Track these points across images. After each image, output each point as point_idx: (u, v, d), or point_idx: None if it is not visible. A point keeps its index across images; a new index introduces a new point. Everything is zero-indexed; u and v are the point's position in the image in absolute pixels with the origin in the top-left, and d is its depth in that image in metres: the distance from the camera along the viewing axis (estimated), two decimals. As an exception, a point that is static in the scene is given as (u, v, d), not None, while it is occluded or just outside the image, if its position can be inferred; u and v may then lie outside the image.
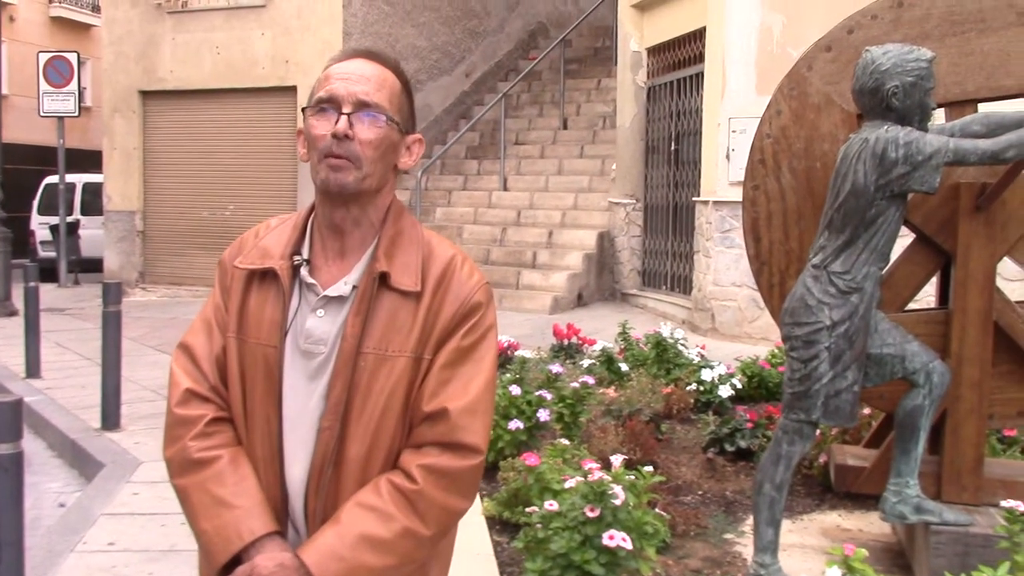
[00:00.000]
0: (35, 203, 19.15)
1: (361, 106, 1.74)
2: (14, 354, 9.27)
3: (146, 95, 15.47)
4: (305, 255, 1.81)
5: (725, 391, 6.06)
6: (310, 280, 1.78)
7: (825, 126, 3.94)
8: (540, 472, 3.64)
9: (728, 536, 4.32)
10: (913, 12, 3.91)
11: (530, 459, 3.74)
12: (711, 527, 4.38)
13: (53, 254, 16.57)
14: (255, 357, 1.78)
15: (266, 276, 1.81)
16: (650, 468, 3.66)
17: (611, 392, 6.00)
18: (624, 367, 6.48)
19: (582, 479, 3.27)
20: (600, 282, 12.86)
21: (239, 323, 1.81)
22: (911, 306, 4.19)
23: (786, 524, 4.49)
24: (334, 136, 1.72)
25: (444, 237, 1.91)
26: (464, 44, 16.88)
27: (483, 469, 1.80)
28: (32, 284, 8.90)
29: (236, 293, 1.83)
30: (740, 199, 4.17)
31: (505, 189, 14.48)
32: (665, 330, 6.76)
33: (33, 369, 8.68)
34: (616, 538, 3.02)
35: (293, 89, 14.30)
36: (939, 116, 4.01)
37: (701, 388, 6.17)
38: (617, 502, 3.13)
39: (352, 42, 14.32)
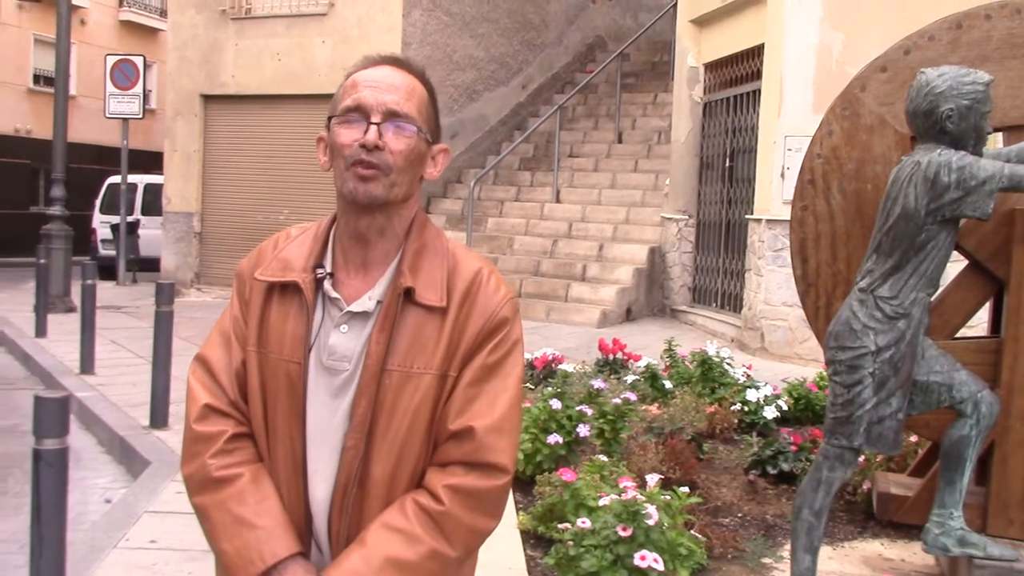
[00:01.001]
0: (98, 202, 19.52)
1: (391, 116, 1.71)
2: (70, 350, 9.44)
3: (208, 99, 15.74)
4: (328, 268, 1.77)
5: (770, 412, 5.98)
6: (334, 294, 1.74)
7: (878, 148, 3.88)
8: (576, 488, 3.61)
9: (766, 560, 4.25)
10: (972, 34, 3.84)
11: (566, 475, 3.72)
12: (749, 551, 4.32)
13: (113, 253, 16.87)
14: (277, 372, 1.74)
15: (287, 289, 1.76)
16: (686, 489, 3.61)
17: (654, 409, 5.96)
18: (668, 384, 6.43)
19: (617, 497, 3.24)
20: (650, 297, 12.79)
21: (259, 336, 1.77)
22: (962, 333, 4.11)
23: (827, 551, 4.42)
24: (363, 146, 1.68)
25: (470, 249, 1.88)
26: (521, 56, 16.93)
27: (510, 488, 1.75)
28: (89, 282, 9.06)
29: (256, 305, 1.79)
30: (791, 218, 4.12)
31: (558, 201, 14.48)
32: (711, 348, 6.69)
33: (87, 365, 8.83)
34: (648, 559, 2.99)
35: (351, 97, 14.41)
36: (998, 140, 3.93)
37: (746, 408, 6.10)
38: (650, 522, 3.10)
39: (411, 52, 14.43)
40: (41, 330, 10.83)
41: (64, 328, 10.95)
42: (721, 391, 6.38)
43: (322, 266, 1.77)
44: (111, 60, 15.77)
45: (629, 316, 12.34)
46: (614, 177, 14.68)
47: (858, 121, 3.91)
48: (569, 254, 13.30)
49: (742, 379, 6.53)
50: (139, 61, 15.81)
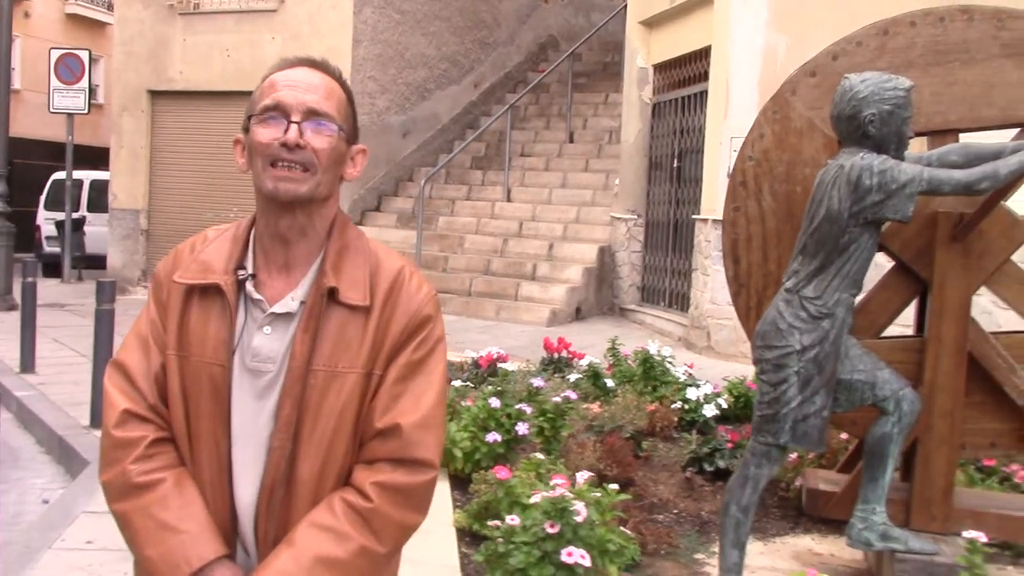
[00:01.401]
0: (42, 198, 19.21)
1: (311, 115, 1.71)
2: (10, 348, 9.30)
3: (155, 95, 15.56)
4: (250, 269, 1.77)
5: (710, 410, 6.06)
6: (256, 296, 1.74)
7: (807, 151, 3.96)
8: (510, 486, 3.65)
9: (699, 556, 4.32)
10: (898, 40, 3.93)
11: (501, 472, 3.76)
12: (682, 546, 4.39)
13: (58, 250, 16.63)
14: (199, 375, 1.73)
15: (208, 291, 1.75)
16: (616, 486, 3.66)
17: (596, 408, 6.01)
18: (610, 383, 6.48)
19: (548, 494, 3.28)
20: (599, 296, 12.87)
21: (179, 340, 1.75)
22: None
23: (758, 546, 4.51)
24: (284, 145, 1.69)
25: (391, 249, 1.88)
26: (473, 54, 16.95)
27: (436, 483, 1.77)
28: (30, 279, 8.95)
29: (175, 309, 1.77)
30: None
31: (508, 200, 14.52)
32: (652, 347, 6.76)
33: (28, 364, 8.72)
34: (575, 555, 3.03)
35: (301, 94, 14.35)
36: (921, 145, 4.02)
37: (686, 407, 6.17)
38: (579, 519, 3.14)
39: (362, 49, 14.40)
40: (-19, 328, 10.67)
41: (5, 326, 10.78)
42: (663, 389, 6.45)
43: (243, 267, 1.77)
44: (56, 54, 15.54)
45: (579, 315, 12.41)
46: (565, 176, 14.75)
47: (788, 124, 3.99)
48: (519, 253, 13.35)
49: (683, 378, 6.60)
50: (84, 55, 15.61)
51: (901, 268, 3.98)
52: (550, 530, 3.11)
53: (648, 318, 12.12)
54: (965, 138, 3.89)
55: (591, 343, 9.32)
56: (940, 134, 3.91)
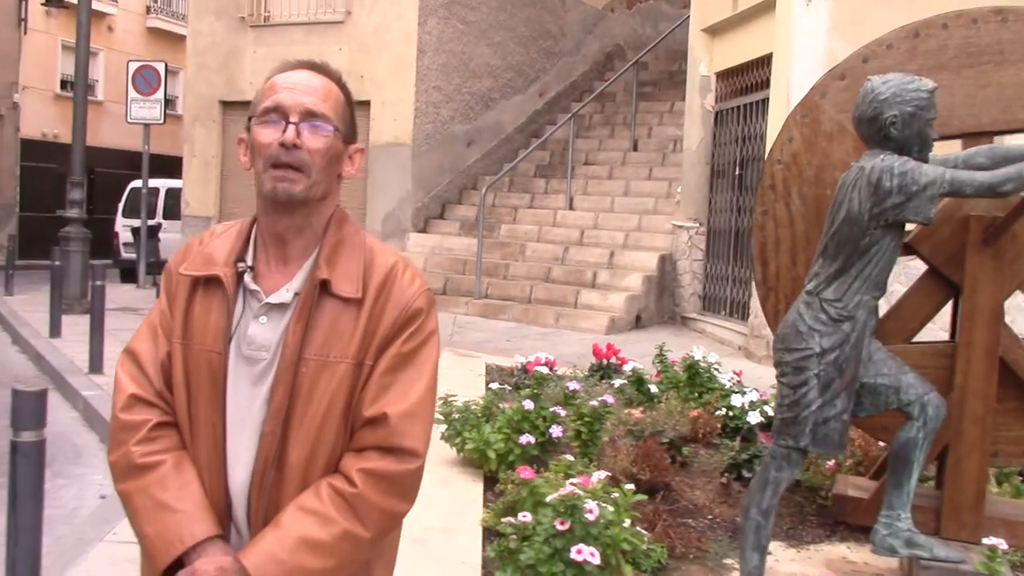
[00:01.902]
0: (120, 206, 19.78)
1: (308, 116, 1.78)
2: (81, 350, 9.60)
3: (226, 105, 15.95)
4: (249, 262, 1.84)
5: (754, 417, 5.99)
6: (253, 287, 1.81)
7: (837, 154, 3.93)
8: (534, 486, 3.68)
9: (728, 561, 4.30)
10: (929, 43, 3.88)
11: (525, 472, 3.79)
12: (712, 551, 4.37)
13: (134, 256, 17.10)
14: (199, 363, 1.80)
15: (211, 283, 1.83)
16: (631, 486, 3.67)
17: (637, 413, 6.00)
18: (654, 389, 6.47)
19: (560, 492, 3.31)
20: (660, 305, 12.82)
21: (184, 329, 1.83)
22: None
23: (791, 553, 4.47)
24: (282, 145, 1.76)
25: (387, 244, 1.94)
26: (539, 64, 17.02)
27: (422, 472, 1.81)
28: (99, 283, 9.23)
29: (181, 299, 1.85)
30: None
31: (571, 208, 14.54)
32: (698, 353, 6.73)
33: (96, 365, 8.98)
34: (584, 552, 3.05)
35: (367, 104, 14.59)
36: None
37: (731, 413, 6.13)
38: (590, 517, 3.17)
39: (426, 59, 14.59)
40: (55, 330, 11.03)
41: (78, 329, 11.11)
42: (707, 396, 6.41)
43: (243, 260, 1.85)
44: (133, 66, 16.01)
45: (639, 323, 12.36)
46: (628, 185, 14.73)
47: (818, 128, 3.97)
48: (580, 261, 13.36)
49: (729, 384, 6.55)
50: (160, 67, 16.04)
51: (932, 272, 3.93)
52: (560, 527, 3.14)
53: (709, 327, 12.03)
54: (1000, 141, 3.82)
55: (649, 351, 9.27)
56: (973, 136, 3.86)
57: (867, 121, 3.40)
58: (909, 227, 3.53)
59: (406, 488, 1.78)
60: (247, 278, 1.83)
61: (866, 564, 4.42)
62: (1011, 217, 3.62)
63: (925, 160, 3.40)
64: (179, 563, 1.73)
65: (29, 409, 3.71)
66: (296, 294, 1.80)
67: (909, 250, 3.92)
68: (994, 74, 3.83)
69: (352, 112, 1.92)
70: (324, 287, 1.79)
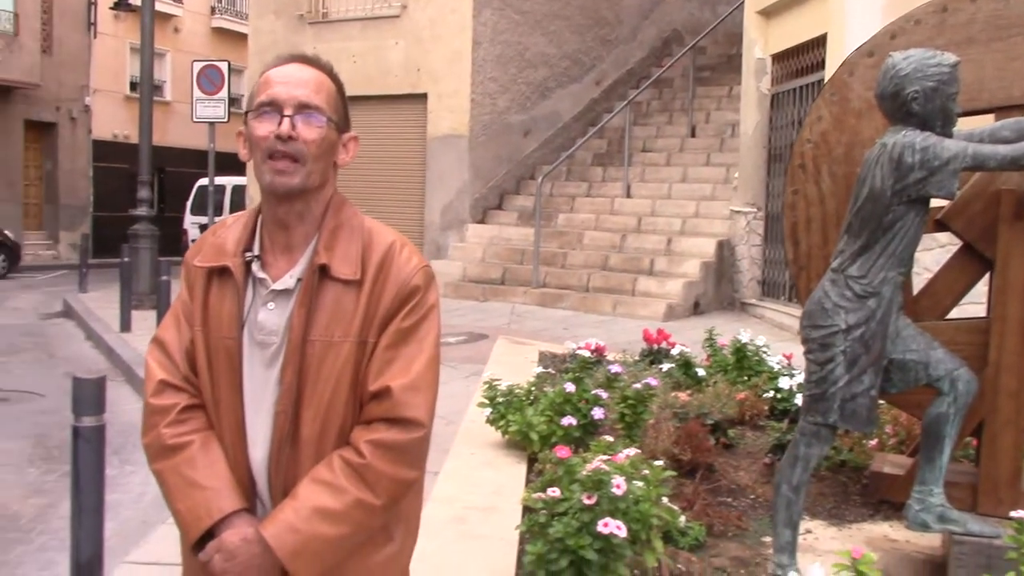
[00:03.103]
0: (189, 203, 20.24)
1: (302, 108, 1.87)
2: (150, 343, 9.92)
3: (287, 102, 16.21)
4: (256, 251, 1.94)
5: (802, 399, 5.99)
6: (261, 275, 1.91)
7: (866, 132, 3.93)
8: (570, 464, 3.76)
9: (767, 539, 4.31)
10: (958, 17, 3.86)
11: (561, 451, 3.87)
12: (752, 529, 4.40)
13: (202, 252, 17.47)
14: (218, 349, 1.91)
15: (223, 273, 1.93)
16: (660, 462, 3.73)
17: (684, 396, 6.04)
18: (701, 372, 6.50)
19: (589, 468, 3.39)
20: (718, 291, 12.77)
21: (203, 317, 1.93)
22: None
23: (832, 531, 4.49)
24: (278, 137, 1.84)
25: (385, 225, 2.02)
26: (595, 52, 17.02)
27: (428, 441, 1.91)
28: (165, 278, 9.54)
29: (198, 290, 1.95)
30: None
31: (628, 196, 14.55)
32: (744, 336, 6.73)
33: (162, 357, 9.27)
34: (610, 526, 3.12)
35: (423, 96, 14.76)
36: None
37: (778, 395, 6.13)
38: (617, 492, 3.24)
39: (482, 50, 14.70)
40: (125, 325, 11.39)
41: (147, 324, 11.45)
42: (755, 379, 6.42)
43: (250, 250, 1.95)
44: (198, 66, 16.37)
45: (697, 310, 12.34)
46: (686, 171, 14.67)
47: (847, 106, 3.97)
48: (637, 248, 13.36)
49: (777, 367, 6.55)
50: (224, 66, 16.35)
51: (966, 248, 3.91)
52: (587, 501, 3.22)
53: (768, 312, 11.95)
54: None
55: (704, 338, 9.29)
56: (1005, 110, 3.82)
57: (889, 97, 3.40)
58: (935, 203, 3.52)
59: (412, 456, 1.88)
60: (255, 267, 1.93)
61: (908, 542, 4.41)
62: (1043, 190, 3.59)
63: (948, 135, 3.39)
64: (209, 535, 1.85)
65: (89, 395, 3.86)
66: (299, 280, 1.90)
67: (941, 226, 3.91)
68: (1025, 46, 3.80)
69: (344, 102, 2.01)
70: (324, 271, 1.88)
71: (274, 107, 1.87)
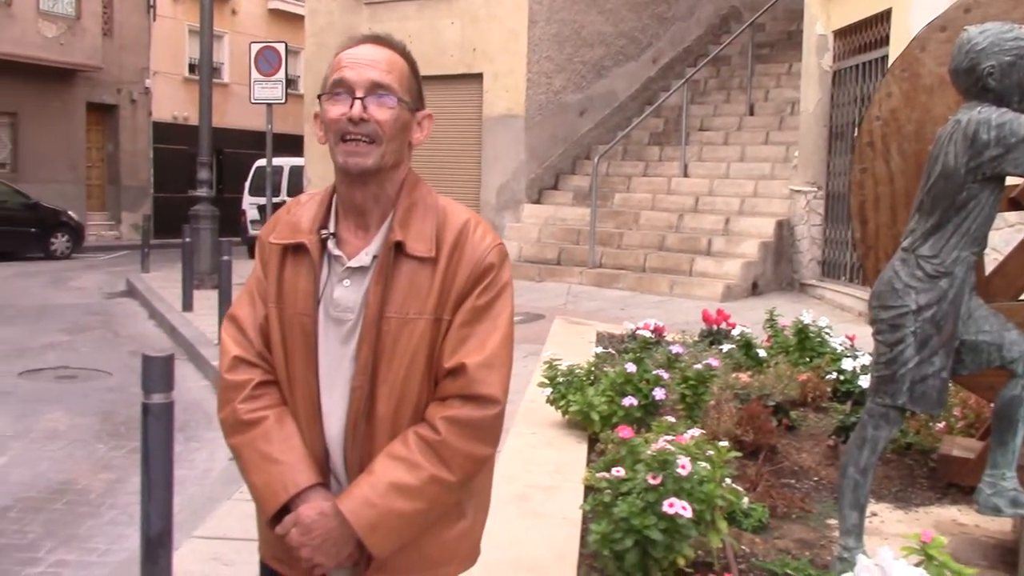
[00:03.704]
0: (247, 184, 20.46)
1: (374, 88, 1.87)
2: (211, 322, 10.07)
3: (344, 83, 16.29)
4: (331, 229, 1.95)
5: (866, 381, 5.89)
6: (336, 252, 1.93)
7: (938, 109, 3.85)
8: (633, 444, 3.75)
9: (831, 521, 4.28)
10: (1035, -11, 3.76)
11: (624, 431, 3.86)
12: (816, 511, 4.37)
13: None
14: (293, 325, 1.93)
15: (298, 250, 1.94)
16: (725, 443, 3.70)
17: (745, 377, 5.99)
18: (762, 353, 6.44)
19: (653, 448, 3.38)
20: (777, 271, 12.63)
21: (278, 294, 1.95)
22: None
23: (899, 514, 4.43)
24: (349, 119, 1.85)
25: (459, 203, 2.03)
26: (651, 30, 16.85)
27: (502, 418, 1.92)
28: (226, 258, 9.64)
29: (273, 267, 1.97)
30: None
31: (685, 175, 14.41)
32: (807, 316, 6.65)
33: (224, 336, 9.40)
34: (676, 506, 3.12)
35: (479, 76, 14.75)
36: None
37: (841, 377, 6.06)
38: (682, 472, 3.23)
39: (538, 29, 14.63)
40: (187, 304, 11.58)
41: (208, 303, 11.60)
42: (818, 360, 6.35)
43: (326, 228, 1.96)
44: (255, 48, 16.51)
45: (755, 290, 12.22)
46: (744, 150, 14.51)
47: (918, 82, 3.89)
48: (695, 228, 13.25)
49: (841, 349, 6.47)
50: (281, 48, 16.48)
51: (1042, 227, 3.82)
52: (652, 481, 3.21)
53: (828, 293, 11.80)
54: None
55: (765, 318, 9.20)
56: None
57: (964, 73, 3.32)
58: (1010, 180, 3.44)
59: (487, 433, 1.89)
60: (330, 244, 1.94)
61: (977, 526, 4.34)
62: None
63: (1025, 111, 3.30)
64: (285, 509, 1.87)
65: (158, 373, 3.92)
66: (374, 257, 1.91)
67: (1015, 204, 3.82)
68: (1107, 19, 3.68)
69: (418, 81, 2.00)
70: (399, 248, 1.89)
71: (346, 89, 1.88)
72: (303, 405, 1.94)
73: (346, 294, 1.91)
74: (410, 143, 1.98)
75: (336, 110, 1.88)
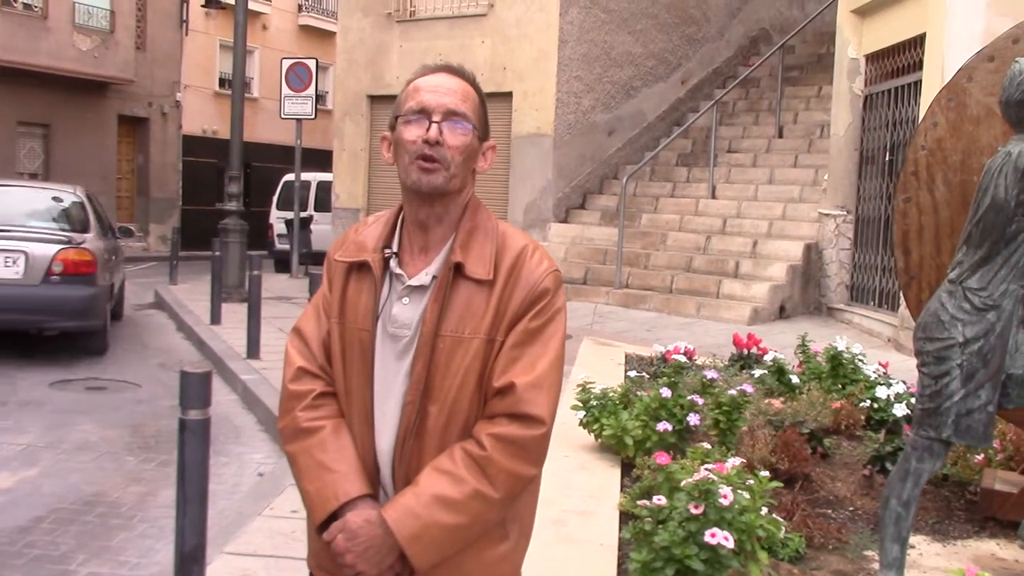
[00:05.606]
0: (275, 199, 20.58)
1: (450, 115, 1.96)
2: (239, 336, 10.10)
3: (374, 99, 16.43)
4: (394, 248, 2.03)
5: (900, 410, 5.85)
6: (398, 271, 2.00)
7: (984, 139, 3.82)
8: (670, 471, 3.72)
9: (869, 552, 4.24)
10: (1085, 20, 3.73)
11: (661, 458, 3.84)
12: (853, 543, 4.32)
13: (288, 247, 17.78)
14: (352, 339, 2.00)
15: (362, 268, 2.03)
16: (766, 473, 3.67)
17: (778, 403, 5.95)
18: (795, 379, 6.39)
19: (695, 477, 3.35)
20: (805, 295, 12.57)
21: (340, 309, 2.03)
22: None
23: (936, 547, 4.38)
24: (426, 142, 1.93)
25: (519, 229, 2.10)
26: (681, 51, 16.87)
27: (548, 439, 1.95)
28: (256, 272, 9.70)
29: (338, 283, 2.06)
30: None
31: (713, 197, 14.39)
32: (841, 343, 6.60)
33: (253, 350, 9.44)
34: (718, 536, 3.09)
35: (509, 95, 14.78)
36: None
37: (875, 405, 6.01)
38: (724, 502, 3.20)
39: (568, 49, 14.68)
40: (216, 318, 11.63)
41: (236, 316, 11.67)
42: (851, 387, 6.30)
43: (390, 247, 2.03)
44: (286, 63, 16.65)
45: (783, 314, 12.16)
46: (772, 172, 14.47)
47: (964, 112, 3.86)
48: (722, 250, 13.21)
49: (874, 376, 6.41)
50: (312, 64, 16.63)
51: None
52: (694, 511, 3.18)
53: (856, 318, 11.73)
54: None
55: (793, 342, 9.10)
56: None
57: (1016, 104, 3.30)
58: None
59: (532, 452, 1.92)
60: (392, 263, 2.01)
61: (1017, 561, 4.28)
62: None
63: (1078, 144, 3.27)
64: (334, 516, 1.92)
65: (195, 389, 3.95)
66: (434, 277, 1.97)
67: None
68: None
69: (486, 112, 2.08)
70: (459, 270, 1.95)
71: (423, 113, 1.95)
72: (358, 417, 2.00)
73: (404, 311, 1.97)
74: (474, 170, 2.05)
75: (412, 132, 1.95)
